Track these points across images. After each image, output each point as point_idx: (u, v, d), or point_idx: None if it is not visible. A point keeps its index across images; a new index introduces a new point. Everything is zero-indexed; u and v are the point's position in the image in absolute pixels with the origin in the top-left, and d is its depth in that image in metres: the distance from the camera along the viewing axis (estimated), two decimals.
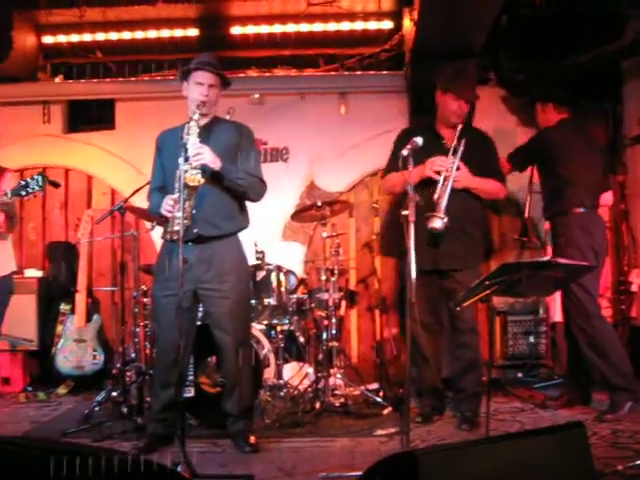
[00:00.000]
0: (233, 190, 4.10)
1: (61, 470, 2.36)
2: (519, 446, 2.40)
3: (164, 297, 4.07)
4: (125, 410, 4.84)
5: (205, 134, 4.09)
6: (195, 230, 4.01)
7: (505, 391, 5.46)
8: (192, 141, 3.91)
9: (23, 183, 4.07)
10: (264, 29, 6.60)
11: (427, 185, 4.40)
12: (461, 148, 4.44)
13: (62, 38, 6.71)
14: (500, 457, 2.35)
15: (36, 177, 4.06)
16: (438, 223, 4.27)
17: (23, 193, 4.06)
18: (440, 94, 4.61)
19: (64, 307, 6.12)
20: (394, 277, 6.49)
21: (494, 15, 5.18)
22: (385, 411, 4.88)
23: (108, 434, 4.44)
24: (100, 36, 6.67)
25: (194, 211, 3.96)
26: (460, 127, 4.48)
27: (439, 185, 4.38)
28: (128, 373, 5.12)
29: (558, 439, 2.50)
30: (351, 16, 6.54)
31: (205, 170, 3.92)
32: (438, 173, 4.40)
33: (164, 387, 4.13)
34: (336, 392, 5.18)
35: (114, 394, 5.12)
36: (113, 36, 6.67)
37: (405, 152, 3.89)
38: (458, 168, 4.42)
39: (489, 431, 3.66)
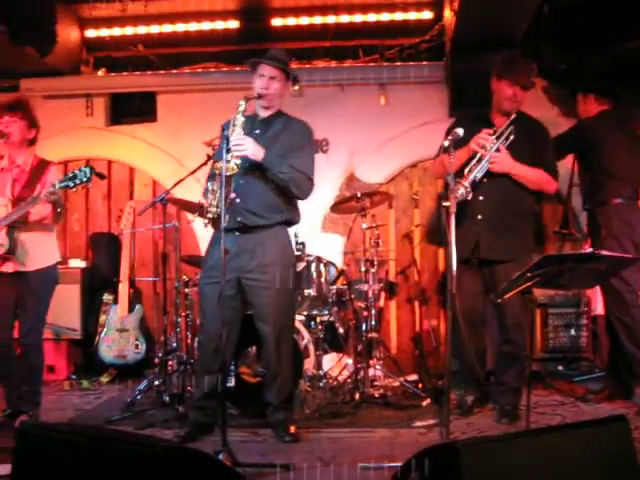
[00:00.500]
0: (276, 183, 4.11)
1: (105, 456, 2.41)
2: (561, 439, 2.39)
3: (208, 285, 4.13)
4: (167, 399, 4.92)
5: (264, 126, 4.18)
6: (239, 219, 4.07)
7: (545, 384, 5.42)
8: (237, 132, 3.96)
9: (71, 175, 4.13)
10: (304, 20, 6.61)
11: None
12: (508, 134, 4.38)
13: (105, 32, 6.80)
14: (541, 450, 2.34)
15: (84, 169, 4.12)
16: (460, 190, 4.17)
17: (71, 185, 4.12)
18: (495, 81, 4.53)
19: (107, 297, 6.22)
20: (434, 268, 6.48)
21: (536, 4, 5.12)
22: (424, 403, 4.88)
23: (150, 422, 4.52)
24: (142, 29, 6.74)
25: (238, 200, 4.00)
26: (514, 116, 4.43)
27: (473, 160, 4.33)
28: (170, 362, 5.20)
29: (600, 433, 2.49)
30: (391, 7, 6.52)
31: (245, 160, 3.97)
32: (483, 148, 4.34)
33: (206, 375, 4.18)
34: (375, 383, 5.20)
35: (156, 383, 5.21)
36: (155, 29, 6.73)
37: (446, 143, 3.88)
38: (498, 150, 4.37)
39: (529, 424, 3.65)
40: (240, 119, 4.01)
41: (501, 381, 4.60)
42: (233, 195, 3.96)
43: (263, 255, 4.11)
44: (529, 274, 3.46)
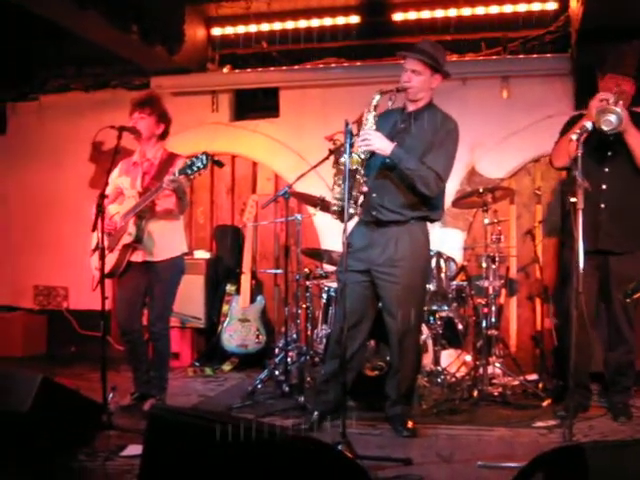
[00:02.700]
0: (404, 178, 4.08)
1: (232, 442, 2.49)
2: None
3: (341, 273, 4.15)
4: (286, 389, 5.03)
5: (410, 120, 4.19)
6: (374, 213, 4.12)
7: None
8: (368, 125, 4.01)
9: (189, 162, 4.25)
10: (425, 14, 6.56)
11: (594, 169, 4.25)
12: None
13: (229, 30, 6.99)
14: None
15: (201, 156, 4.24)
16: (613, 118, 4.04)
17: (189, 172, 4.24)
18: (600, 80, 4.48)
19: (230, 288, 6.40)
20: (556, 265, 6.30)
21: None
22: (544, 403, 4.78)
23: (270, 411, 4.63)
24: (265, 26, 6.89)
25: (374, 195, 4.07)
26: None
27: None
28: (290, 353, 5.30)
29: None
30: None
31: (375, 155, 4.02)
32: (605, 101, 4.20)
33: (332, 358, 4.25)
34: (494, 381, 5.13)
35: (276, 373, 5.32)
36: (277, 26, 6.87)
37: (574, 136, 3.80)
38: None
39: None
40: (372, 113, 4.02)
41: (614, 382, 4.53)
42: (365, 189, 3.97)
43: (395, 250, 4.10)
44: None
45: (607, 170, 4.33)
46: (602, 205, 4.34)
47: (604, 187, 4.33)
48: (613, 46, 4.77)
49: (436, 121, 4.18)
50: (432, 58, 4.13)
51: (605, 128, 4.06)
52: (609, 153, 4.35)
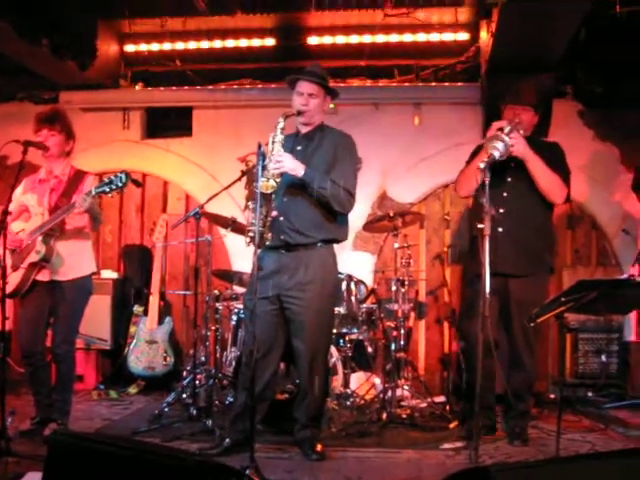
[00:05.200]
0: (318, 199, 4.11)
1: (136, 468, 2.42)
2: (594, 468, 2.34)
3: (249, 301, 4.14)
4: (194, 412, 4.92)
5: (305, 142, 4.21)
6: (282, 237, 4.09)
7: (575, 410, 5.35)
8: (276, 149, 4.00)
9: (107, 181, 4.16)
10: (340, 39, 6.63)
11: (494, 194, 4.34)
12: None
13: (143, 47, 6.89)
14: (574, 478, 2.30)
15: (120, 175, 4.16)
16: (500, 145, 4.14)
17: (107, 190, 4.15)
18: (502, 112, 4.65)
19: (137, 309, 6.27)
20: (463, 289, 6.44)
21: (574, 28, 5.11)
22: (451, 425, 4.84)
23: (177, 435, 4.53)
24: (180, 45, 6.82)
25: (281, 218, 4.04)
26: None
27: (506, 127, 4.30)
28: (198, 376, 5.22)
29: (635, 464, 2.43)
30: (427, 27, 6.52)
31: (287, 178, 4.01)
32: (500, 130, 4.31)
33: (244, 389, 4.17)
34: (402, 403, 5.19)
35: (184, 396, 5.23)
36: (192, 45, 6.81)
37: (482, 165, 3.89)
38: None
39: (559, 450, 3.61)
40: (279, 136, 4.03)
41: (510, 405, 4.58)
42: (275, 213, 3.97)
43: (304, 274, 4.11)
44: (563, 298, 3.44)
45: (505, 195, 4.46)
46: (499, 229, 4.40)
47: (501, 211, 4.42)
48: (516, 79, 4.94)
49: (333, 139, 4.26)
50: (325, 80, 4.21)
51: (493, 154, 4.14)
52: (509, 179, 4.50)
